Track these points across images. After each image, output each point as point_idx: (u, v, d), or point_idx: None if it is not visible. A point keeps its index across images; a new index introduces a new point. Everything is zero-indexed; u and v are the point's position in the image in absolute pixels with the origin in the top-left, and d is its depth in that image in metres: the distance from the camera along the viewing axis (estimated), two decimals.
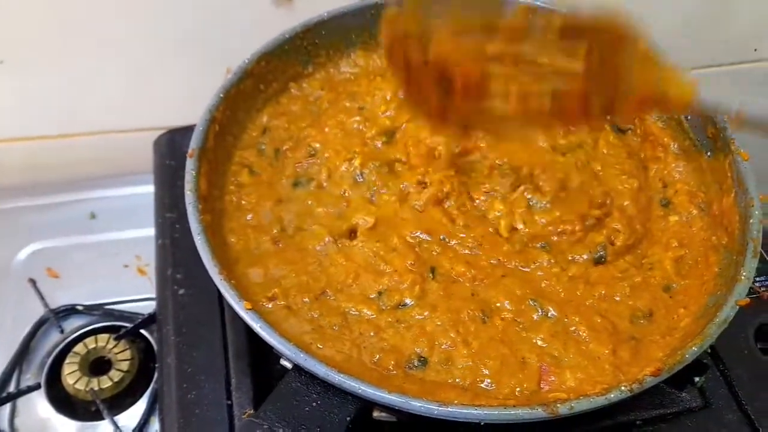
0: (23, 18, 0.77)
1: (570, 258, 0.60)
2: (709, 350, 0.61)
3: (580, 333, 0.55)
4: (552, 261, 0.59)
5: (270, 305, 0.54)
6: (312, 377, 0.46)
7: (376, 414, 0.48)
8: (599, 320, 0.56)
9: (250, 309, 0.48)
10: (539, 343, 0.54)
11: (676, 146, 0.67)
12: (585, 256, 0.60)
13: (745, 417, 0.60)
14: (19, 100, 0.85)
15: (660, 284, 0.59)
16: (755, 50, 0.99)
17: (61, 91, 0.85)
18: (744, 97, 0.49)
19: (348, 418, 0.45)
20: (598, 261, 0.60)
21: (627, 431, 0.58)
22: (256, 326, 0.47)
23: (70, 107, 0.87)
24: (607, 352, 0.54)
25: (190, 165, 0.56)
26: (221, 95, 0.61)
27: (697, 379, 0.60)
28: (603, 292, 0.58)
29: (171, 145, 0.75)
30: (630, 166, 0.67)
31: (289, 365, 0.48)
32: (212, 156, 0.59)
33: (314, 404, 0.45)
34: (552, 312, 0.55)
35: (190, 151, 0.57)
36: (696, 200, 0.64)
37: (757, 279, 0.69)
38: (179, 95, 0.79)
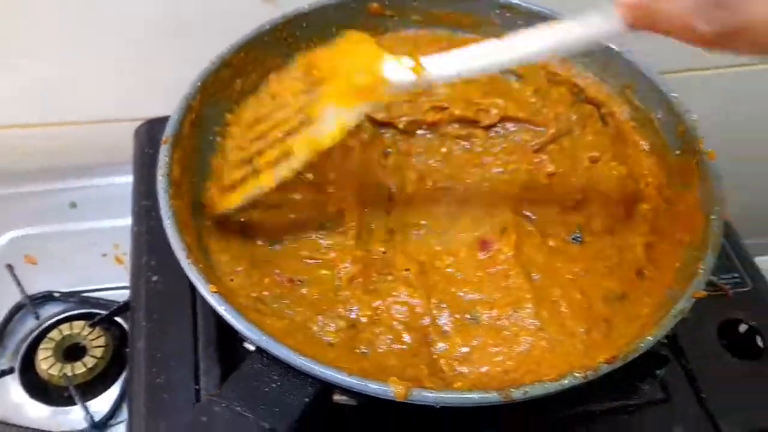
0: (2, 9, 0.77)
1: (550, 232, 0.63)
2: (665, 341, 0.62)
3: (561, 307, 0.56)
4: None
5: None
6: (274, 359, 0.47)
7: (336, 397, 0.49)
8: (579, 297, 0.57)
9: (215, 292, 0.49)
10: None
11: (646, 145, 0.68)
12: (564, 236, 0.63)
13: (704, 412, 0.61)
14: (1, 88, 0.86)
15: (633, 267, 0.61)
16: None
17: (44, 80, 0.86)
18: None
19: (306, 399, 0.46)
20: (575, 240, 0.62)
21: (587, 421, 0.59)
22: (220, 308, 0.48)
23: (53, 96, 0.88)
24: (582, 330, 0.55)
25: (163, 151, 0.57)
26: (198, 84, 0.62)
27: (658, 372, 0.62)
28: (582, 268, 0.60)
29: (151, 134, 0.76)
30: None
31: (252, 347, 0.49)
32: (187, 143, 0.60)
33: (274, 385, 0.46)
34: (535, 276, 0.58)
35: (164, 138, 0.57)
36: (664, 194, 0.65)
37: (723, 276, 0.70)
38: (163, 87, 0.79)
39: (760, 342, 0.67)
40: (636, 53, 0.68)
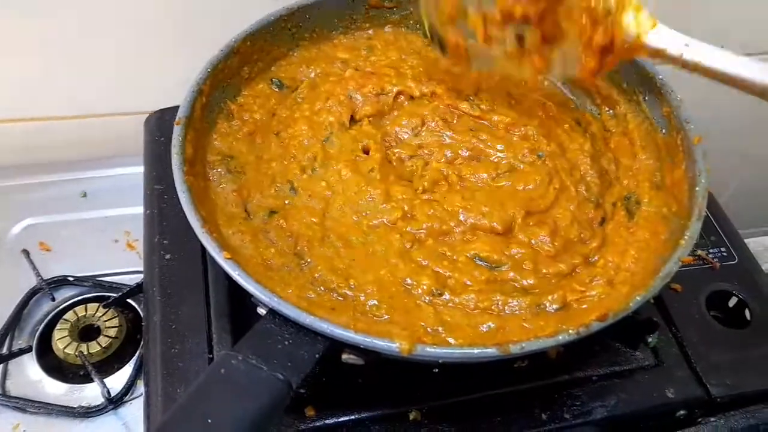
0: (19, 1, 0.81)
1: None
2: (653, 301, 0.66)
3: None
4: None
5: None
6: (285, 320, 0.50)
7: (344, 356, 0.52)
8: None
9: (229, 258, 0.52)
10: None
11: (641, 134, 0.71)
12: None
13: (693, 374, 0.64)
14: (17, 83, 0.89)
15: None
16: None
17: (57, 74, 0.89)
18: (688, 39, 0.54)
19: (317, 355, 0.48)
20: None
21: (584, 385, 0.62)
22: (234, 273, 0.51)
23: (65, 91, 0.91)
24: None
25: (177, 131, 0.60)
26: (209, 69, 0.65)
27: (649, 339, 0.65)
28: None
29: (161, 122, 0.79)
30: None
31: (264, 311, 0.52)
32: (198, 126, 0.63)
33: (286, 343, 0.49)
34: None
35: (177, 119, 0.61)
36: (654, 181, 0.68)
37: (711, 251, 0.73)
38: (170, 81, 0.83)
39: (748, 315, 0.70)
40: None
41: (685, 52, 0.55)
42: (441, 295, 0.58)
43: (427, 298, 0.57)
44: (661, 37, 0.56)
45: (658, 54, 0.57)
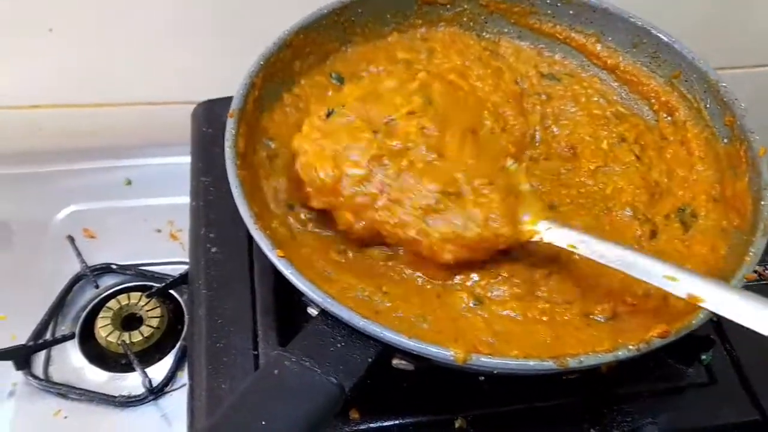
0: None
1: None
2: (713, 321, 0.63)
3: None
4: None
5: None
6: (337, 322, 0.49)
7: (395, 362, 0.51)
8: None
9: (282, 257, 0.51)
10: None
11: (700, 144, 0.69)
12: None
13: (749, 394, 0.62)
14: (65, 69, 0.89)
15: None
16: None
17: (103, 61, 0.90)
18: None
19: (369, 360, 0.48)
20: None
21: (634, 401, 0.61)
22: (287, 272, 0.50)
23: (111, 77, 0.91)
24: None
25: (230, 124, 0.59)
26: (261, 62, 0.64)
27: (704, 357, 0.63)
28: None
29: (208, 114, 0.78)
30: None
31: (315, 312, 0.51)
32: (250, 119, 0.63)
33: (338, 345, 0.48)
34: None
35: (230, 112, 0.60)
36: (712, 193, 0.66)
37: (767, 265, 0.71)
38: (217, 72, 0.82)
39: None
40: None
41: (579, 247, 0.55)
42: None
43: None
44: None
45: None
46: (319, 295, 0.49)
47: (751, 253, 0.55)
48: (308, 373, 0.45)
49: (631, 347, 0.49)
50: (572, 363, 0.48)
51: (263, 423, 0.42)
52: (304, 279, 0.50)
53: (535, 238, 0.57)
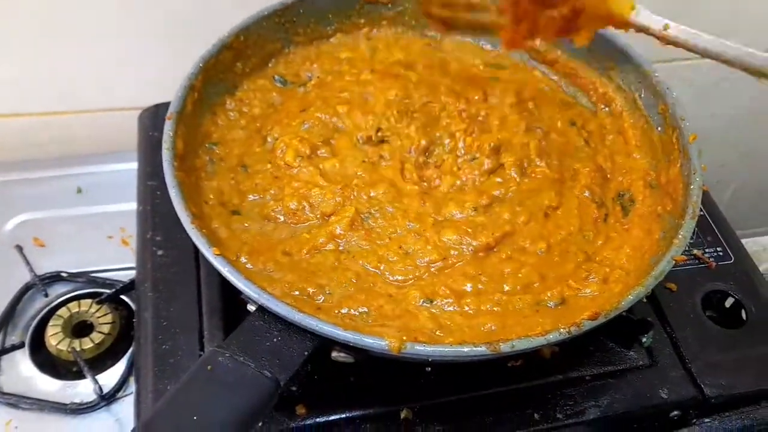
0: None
1: None
2: (645, 300, 0.65)
3: None
4: None
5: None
6: (274, 317, 0.50)
7: (334, 354, 0.52)
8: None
9: (218, 255, 0.52)
10: None
11: (636, 133, 0.71)
12: None
13: (688, 374, 0.63)
14: (13, 78, 0.89)
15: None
16: None
17: (53, 70, 0.89)
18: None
19: (306, 353, 0.48)
20: None
21: (577, 385, 0.62)
22: (224, 270, 0.51)
23: (61, 86, 0.91)
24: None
25: (167, 127, 0.60)
26: (200, 65, 0.65)
27: (644, 339, 0.64)
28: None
29: (154, 118, 0.79)
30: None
31: (253, 308, 0.52)
32: (190, 122, 0.63)
33: (274, 340, 0.49)
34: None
35: (168, 114, 0.60)
36: (648, 179, 0.68)
37: (707, 250, 0.73)
38: (165, 76, 0.82)
39: (744, 315, 0.69)
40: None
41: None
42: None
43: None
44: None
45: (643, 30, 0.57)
46: (255, 291, 0.50)
47: (680, 236, 0.56)
48: (242, 367, 0.45)
49: (562, 330, 0.50)
50: (504, 347, 0.49)
51: (195, 418, 0.42)
52: (240, 275, 0.51)
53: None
